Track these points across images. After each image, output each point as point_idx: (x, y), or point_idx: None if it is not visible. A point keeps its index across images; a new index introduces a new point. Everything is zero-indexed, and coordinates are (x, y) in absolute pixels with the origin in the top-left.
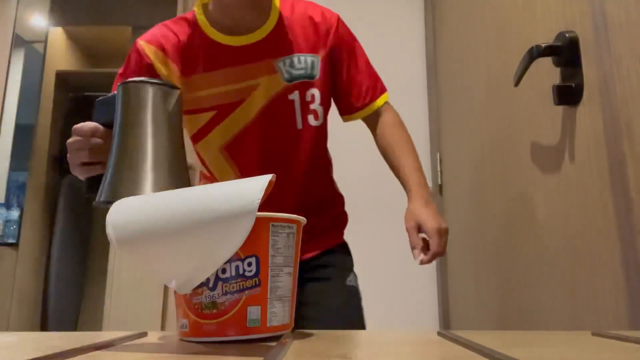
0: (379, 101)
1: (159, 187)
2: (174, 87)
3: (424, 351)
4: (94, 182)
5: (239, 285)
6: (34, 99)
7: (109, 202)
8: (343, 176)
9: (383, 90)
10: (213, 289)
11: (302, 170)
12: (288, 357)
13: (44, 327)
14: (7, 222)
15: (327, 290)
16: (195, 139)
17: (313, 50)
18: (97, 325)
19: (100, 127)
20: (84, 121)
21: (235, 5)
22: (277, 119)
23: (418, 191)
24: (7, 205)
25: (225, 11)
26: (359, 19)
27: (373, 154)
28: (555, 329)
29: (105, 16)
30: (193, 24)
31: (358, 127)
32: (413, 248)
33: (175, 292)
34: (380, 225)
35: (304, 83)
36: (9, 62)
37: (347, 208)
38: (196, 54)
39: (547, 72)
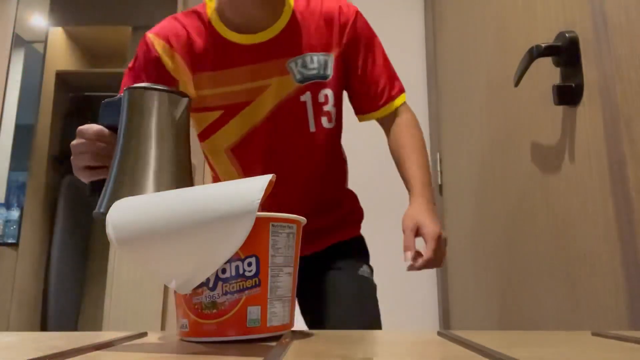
0: (397, 102)
1: None
2: (182, 94)
3: (424, 351)
4: (98, 186)
5: (239, 285)
6: (34, 99)
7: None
8: None
9: (401, 90)
10: (213, 289)
11: (315, 173)
12: (288, 357)
13: (44, 327)
14: (7, 222)
15: (339, 280)
16: (202, 137)
17: (327, 48)
18: (97, 325)
19: (105, 130)
20: (84, 121)
21: (245, 2)
22: (288, 122)
23: (421, 192)
24: (7, 205)
25: (235, 8)
26: None
27: (372, 152)
28: (555, 329)
29: (105, 16)
30: (204, 19)
31: (358, 124)
32: (406, 249)
33: (175, 292)
34: (380, 225)
35: (316, 84)
36: (9, 62)
37: None
38: (205, 50)
39: (547, 72)
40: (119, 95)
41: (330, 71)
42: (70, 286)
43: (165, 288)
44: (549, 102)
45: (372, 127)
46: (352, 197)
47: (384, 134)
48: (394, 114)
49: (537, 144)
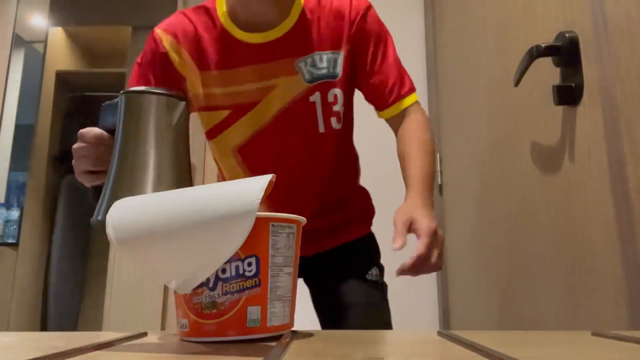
0: (406, 102)
1: None
2: (179, 97)
3: (424, 351)
4: (99, 191)
5: (239, 285)
6: (34, 99)
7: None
8: None
9: (412, 89)
10: (213, 289)
11: (325, 173)
12: (288, 357)
13: (44, 327)
14: (7, 222)
15: (347, 287)
16: (209, 136)
17: (336, 46)
18: (97, 325)
19: (105, 134)
20: (84, 121)
21: None
22: (297, 123)
23: (419, 190)
24: (7, 205)
25: (244, 4)
26: None
27: (383, 149)
28: (555, 329)
29: (105, 16)
30: (212, 15)
31: (370, 120)
32: (396, 241)
33: (175, 292)
34: (380, 225)
35: (325, 83)
36: (9, 62)
37: None
38: (212, 48)
39: (547, 72)
40: (119, 98)
41: (339, 70)
42: (70, 286)
43: (165, 288)
44: (549, 102)
45: (384, 124)
46: (364, 194)
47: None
48: (403, 114)
49: (537, 144)
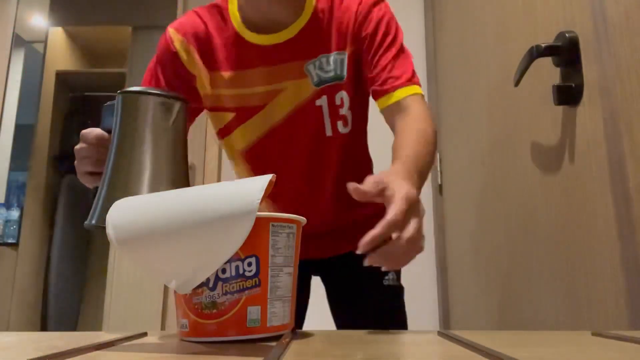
0: (399, 93)
1: None
2: (176, 98)
3: (424, 351)
4: None
5: (239, 285)
6: (34, 99)
7: (100, 227)
8: None
9: (409, 80)
10: (213, 289)
11: (333, 178)
12: (288, 357)
13: (44, 327)
14: (7, 222)
15: (364, 293)
16: (219, 136)
17: (342, 46)
18: (97, 325)
19: (106, 134)
20: (84, 121)
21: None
22: (304, 128)
23: (405, 162)
24: (7, 205)
25: (251, 5)
26: None
27: (385, 155)
28: (555, 329)
29: (105, 16)
30: (224, 15)
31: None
32: (355, 186)
33: (175, 292)
34: None
35: (332, 86)
36: (9, 62)
37: None
38: (222, 49)
39: (547, 72)
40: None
41: (345, 71)
42: (70, 286)
43: (165, 288)
44: (549, 102)
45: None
46: None
47: None
48: (400, 106)
49: (537, 144)
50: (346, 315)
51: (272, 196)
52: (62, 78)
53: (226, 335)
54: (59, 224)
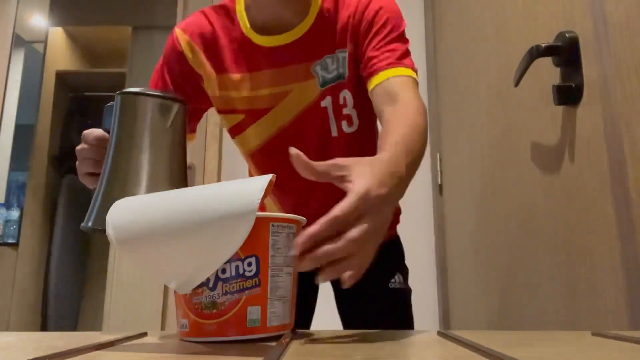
0: (386, 72)
1: None
2: (174, 99)
3: (424, 351)
4: None
5: (239, 285)
6: (34, 99)
7: (96, 230)
8: None
9: (400, 63)
10: (213, 289)
11: None
12: (288, 357)
13: (44, 327)
14: (7, 222)
15: (368, 297)
16: (230, 134)
17: (342, 43)
18: (97, 325)
19: (107, 135)
20: (84, 121)
21: (269, 1)
22: (310, 130)
23: (390, 149)
24: (7, 205)
25: (259, 6)
26: None
27: None
28: (555, 329)
29: (105, 16)
30: (232, 16)
31: None
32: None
33: (175, 292)
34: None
35: (335, 86)
36: (9, 62)
37: None
38: (230, 50)
39: (547, 72)
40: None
41: (346, 69)
42: (70, 286)
43: (165, 288)
44: (549, 102)
45: None
46: None
47: None
48: (384, 90)
49: (537, 144)
50: (352, 318)
51: (279, 197)
52: (62, 78)
53: (226, 335)
54: (59, 224)
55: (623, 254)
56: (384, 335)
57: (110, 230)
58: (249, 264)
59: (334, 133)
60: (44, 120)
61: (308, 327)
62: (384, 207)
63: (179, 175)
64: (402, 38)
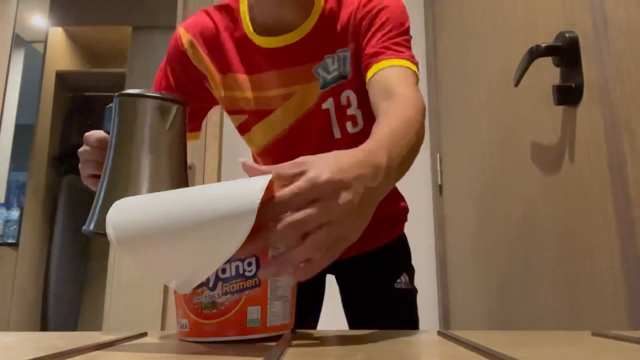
0: (382, 63)
1: None
2: (174, 101)
3: (424, 351)
4: None
5: (239, 285)
6: (34, 99)
7: (97, 234)
8: None
9: (400, 55)
10: (213, 289)
11: None
12: (288, 357)
13: (44, 327)
14: (7, 222)
15: (374, 297)
16: (239, 132)
17: (344, 42)
18: (97, 325)
19: (108, 137)
20: (84, 121)
21: (272, 1)
22: (312, 131)
23: (369, 142)
24: (7, 205)
25: (262, 6)
26: None
27: None
28: (555, 329)
29: (105, 16)
30: (235, 15)
31: None
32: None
33: (175, 292)
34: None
35: (336, 87)
36: (9, 62)
37: None
38: (232, 51)
39: (547, 72)
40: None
41: (349, 68)
42: (70, 286)
43: (165, 288)
44: (549, 102)
45: None
46: (395, 197)
47: None
48: (379, 81)
49: (537, 144)
50: (358, 318)
51: None
52: (62, 78)
53: (226, 335)
54: (59, 224)
55: (623, 254)
56: (384, 335)
57: (110, 230)
58: (249, 264)
59: (337, 135)
60: (44, 120)
61: (315, 327)
62: (347, 195)
63: (179, 175)
64: (404, 34)
